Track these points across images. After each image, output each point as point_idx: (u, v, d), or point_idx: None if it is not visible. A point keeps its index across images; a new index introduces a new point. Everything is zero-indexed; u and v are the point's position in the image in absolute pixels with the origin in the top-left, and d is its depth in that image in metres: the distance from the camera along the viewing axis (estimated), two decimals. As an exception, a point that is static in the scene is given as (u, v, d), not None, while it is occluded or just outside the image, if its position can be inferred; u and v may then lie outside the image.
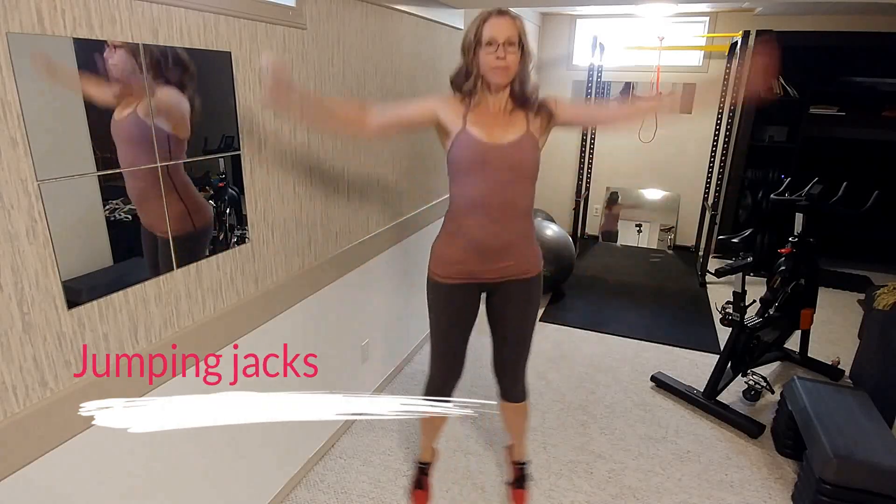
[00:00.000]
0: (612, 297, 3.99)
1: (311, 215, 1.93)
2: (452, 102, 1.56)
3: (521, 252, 1.63)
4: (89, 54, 1.10)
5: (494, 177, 1.51)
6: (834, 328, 3.51)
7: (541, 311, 3.60)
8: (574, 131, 4.84)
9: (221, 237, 1.54)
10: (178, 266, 1.40)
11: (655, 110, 1.66)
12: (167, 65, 1.28)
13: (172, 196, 1.35)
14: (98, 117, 1.13)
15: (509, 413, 1.94)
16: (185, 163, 1.37)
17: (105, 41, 1.13)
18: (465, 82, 1.53)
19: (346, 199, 2.14)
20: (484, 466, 2.20)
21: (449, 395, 1.84)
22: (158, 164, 1.29)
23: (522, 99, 1.54)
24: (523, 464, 2.07)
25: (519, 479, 2.04)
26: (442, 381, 1.82)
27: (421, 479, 2.03)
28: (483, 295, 1.77)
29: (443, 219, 1.71)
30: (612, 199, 5.24)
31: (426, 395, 1.85)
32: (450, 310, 1.72)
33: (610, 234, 5.28)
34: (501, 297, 1.71)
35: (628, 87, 4.92)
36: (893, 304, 2.56)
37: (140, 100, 1.22)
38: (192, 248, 1.44)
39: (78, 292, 1.15)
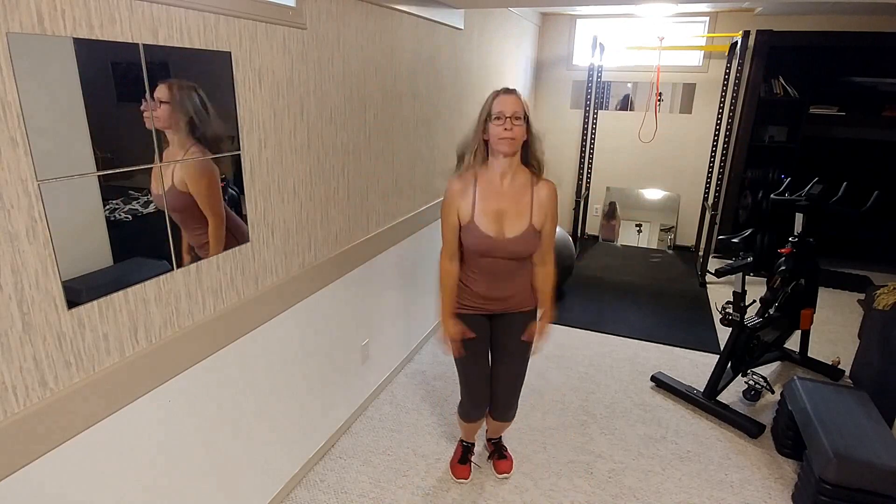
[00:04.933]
0: (612, 297, 3.99)
1: (311, 215, 1.93)
2: (460, 189, 1.72)
3: (519, 296, 1.85)
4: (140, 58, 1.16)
5: (498, 258, 1.73)
6: (834, 328, 3.51)
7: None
8: (570, 143, 4.88)
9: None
10: (181, 266, 1.40)
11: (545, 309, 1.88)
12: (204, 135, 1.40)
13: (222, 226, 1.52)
14: (98, 117, 1.13)
15: (493, 426, 2.14)
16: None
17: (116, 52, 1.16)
18: (475, 151, 1.69)
19: (347, 199, 2.14)
20: (484, 466, 2.20)
21: (480, 416, 2.03)
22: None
23: (530, 168, 1.71)
24: (497, 439, 2.22)
25: (497, 451, 2.20)
26: (471, 406, 1.99)
27: (466, 456, 2.17)
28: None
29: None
30: (611, 211, 5.23)
31: (460, 412, 2.05)
32: (465, 337, 1.89)
33: (608, 240, 5.27)
34: (501, 324, 1.90)
35: (626, 99, 4.92)
36: (893, 304, 2.56)
37: (176, 173, 1.34)
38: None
39: (78, 292, 1.15)
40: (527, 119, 1.65)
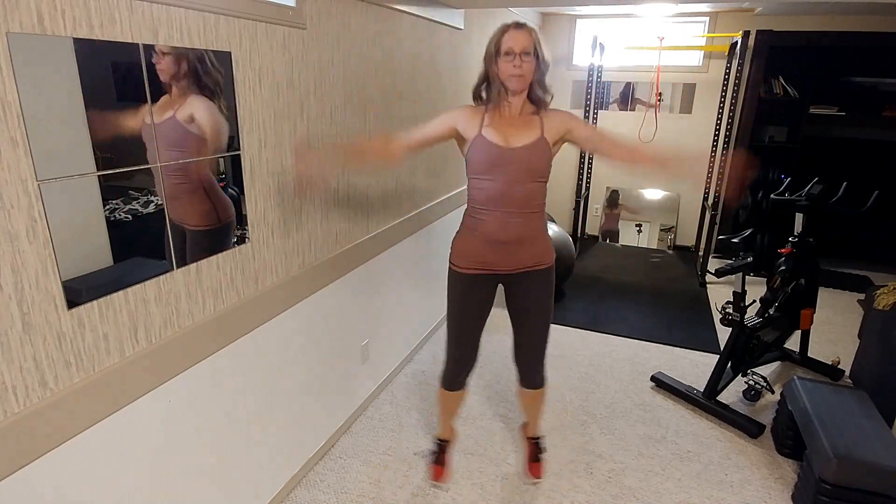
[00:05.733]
0: (612, 297, 3.99)
1: (311, 215, 1.93)
2: (470, 112, 1.68)
3: (533, 245, 1.74)
4: (140, 58, 1.20)
5: (509, 177, 1.62)
6: (834, 328, 3.51)
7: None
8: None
9: (221, 237, 1.54)
10: (183, 265, 1.40)
11: (661, 167, 1.72)
12: (202, 70, 1.37)
13: (201, 192, 1.44)
14: (99, 117, 1.13)
15: (527, 398, 2.06)
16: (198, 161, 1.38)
17: (153, 46, 1.22)
18: (486, 90, 1.65)
19: (347, 198, 2.14)
20: (484, 466, 2.20)
21: (464, 383, 1.98)
22: (184, 161, 1.29)
23: (538, 103, 1.66)
24: (537, 439, 2.16)
25: (534, 453, 2.14)
26: (457, 369, 1.93)
27: (440, 456, 2.11)
28: (501, 288, 1.86)
29: (462, 215, 1.81)
30: (613, 200, 5.24)
31: (442, 381, 1.98)
32: (466, 298, 1.82)
33: (610, 234, 5.28)
34: (518, 288, 1.82)
35: (628, 87, 4.92)
36: (893, 304, 2.56)
37: (178, 105, 1.32)
38: (219, 239, 1.53)
39: (78, 292, 1.15)
40: (537, 54, 1.58)
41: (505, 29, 1.58)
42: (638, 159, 1.72)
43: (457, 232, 1.81)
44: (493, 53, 1.59)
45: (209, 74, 1.39)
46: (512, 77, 1.57)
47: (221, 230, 1.54)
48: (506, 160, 1.61)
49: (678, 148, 1.79)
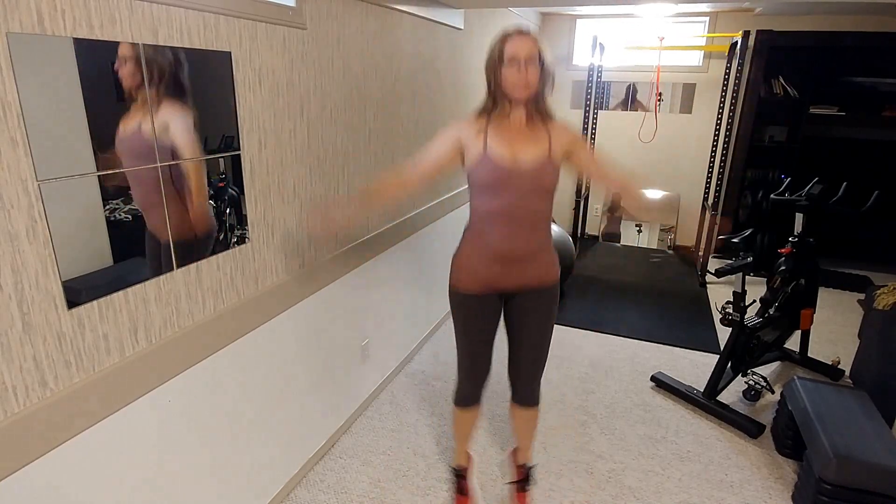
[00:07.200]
0: (613, 297, 3.99)
1: (311, 215, 1.93)
2: (471, 124, 1.60)
3: (539, 262, 1.70)
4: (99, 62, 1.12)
5: (516, 192, 1.57)
6: (834, 328, 3.51)
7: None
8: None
9: (221, 237, 1.54)
10: (178, 266, 1.40)
11: (636, 195, 1.77)
12: (171, 79, 1.30)
13: (176, 203, 1.38)
14: (99, 117, 1.13)
15: (519, 417, 1.94)
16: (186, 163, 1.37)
17: (116, 52, 1.16)
18: (490, 100, 1.58)
19: (347, 199, 2.14)
20: (484, 466, 2.20)
21: (478, 400, 1.90)
22: (158, 165, 1.29)
23: (544, 113, 1.60)
24: (529, 467, 2.05)
25: (522, 482, 2.02)
26: (471, 387, 1.86)
27: (461, 485, 2.02)
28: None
29: (462, 234, 1.75)
30: (615, 204, 5.24)
31: (456, 399, 1.91)
32: (473, 318, 1.75)
33: (611, 235, 5.28)
34: (520, 304, 1.76)
35: (630, 90, 4.92)
36: (893, 304, 2.56)
37: (145, 115, 1.25)
38: (195, 251, 1.47)
39: (78, 292, 1.15)
40: (542, 61, 1.50)
41: (507, 35, 1.50)
42: (622, 191, 1.75)
43: (457, 250, 1.73)
44: (497, 61, 1.51)
45: (175, 84, 1.31)
46: (517, 86, 1.50)
47: (197, 242, 1.47)
48: (514, 179, 1.54)
49: (651, 200, 1.85)
